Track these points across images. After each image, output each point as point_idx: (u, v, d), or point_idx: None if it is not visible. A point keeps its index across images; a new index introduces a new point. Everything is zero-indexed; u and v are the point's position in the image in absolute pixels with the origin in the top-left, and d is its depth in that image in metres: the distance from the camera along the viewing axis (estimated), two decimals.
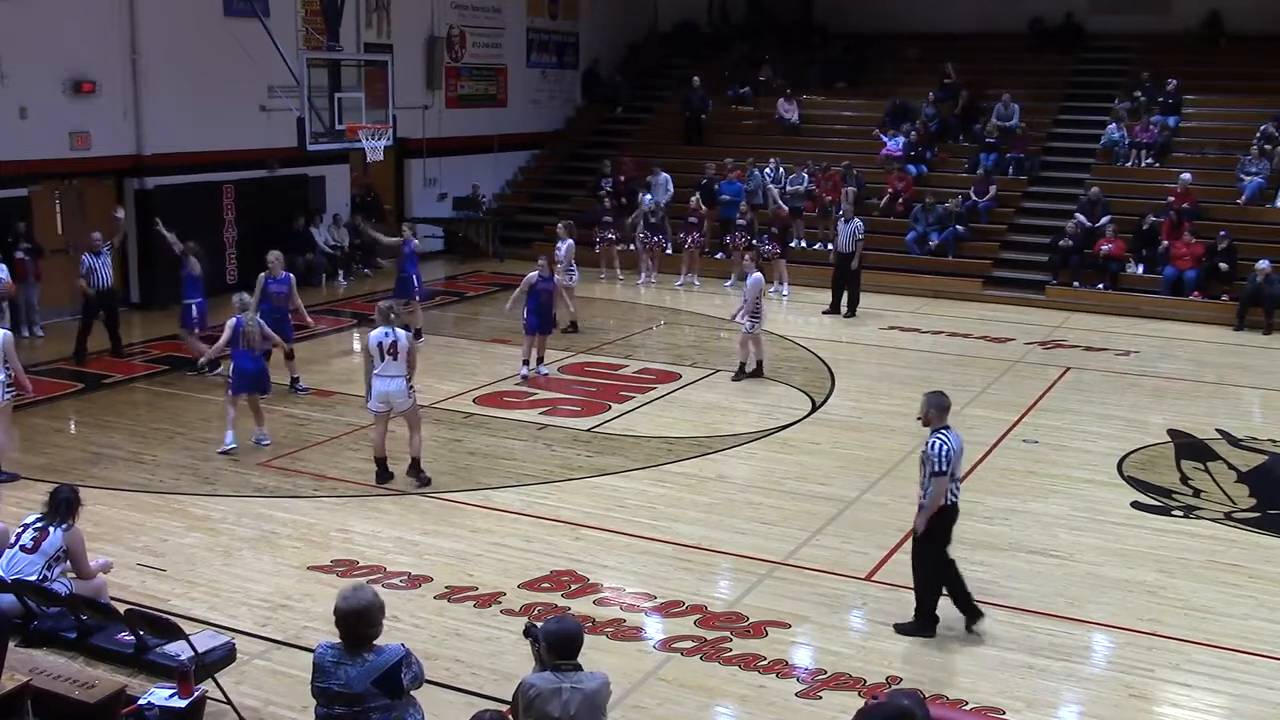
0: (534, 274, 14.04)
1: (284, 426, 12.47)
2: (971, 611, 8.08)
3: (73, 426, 12.69)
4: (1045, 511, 10.39)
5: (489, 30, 24.91)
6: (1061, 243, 20.00)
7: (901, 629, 8.06)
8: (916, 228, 21.15)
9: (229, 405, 11.71)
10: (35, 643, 7.38)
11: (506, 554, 9.28)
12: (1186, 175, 20.44)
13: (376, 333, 10.68)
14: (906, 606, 8.44)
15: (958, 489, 8.01)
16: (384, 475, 10.82)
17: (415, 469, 10.87)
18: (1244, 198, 20.27)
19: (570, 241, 16.53)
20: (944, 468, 7.75)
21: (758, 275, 14.59)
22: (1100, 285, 19.65)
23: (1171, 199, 20.07)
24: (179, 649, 6.89)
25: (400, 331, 10.73)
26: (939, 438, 7.82)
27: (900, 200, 21.93)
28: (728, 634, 7.99)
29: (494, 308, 18.52)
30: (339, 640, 5.06)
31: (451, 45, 23.84)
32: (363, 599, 5.02)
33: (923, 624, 8.05)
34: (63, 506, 7.75)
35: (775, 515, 10.17)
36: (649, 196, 21.77)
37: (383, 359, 10.61)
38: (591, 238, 22.56)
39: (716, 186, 22.00)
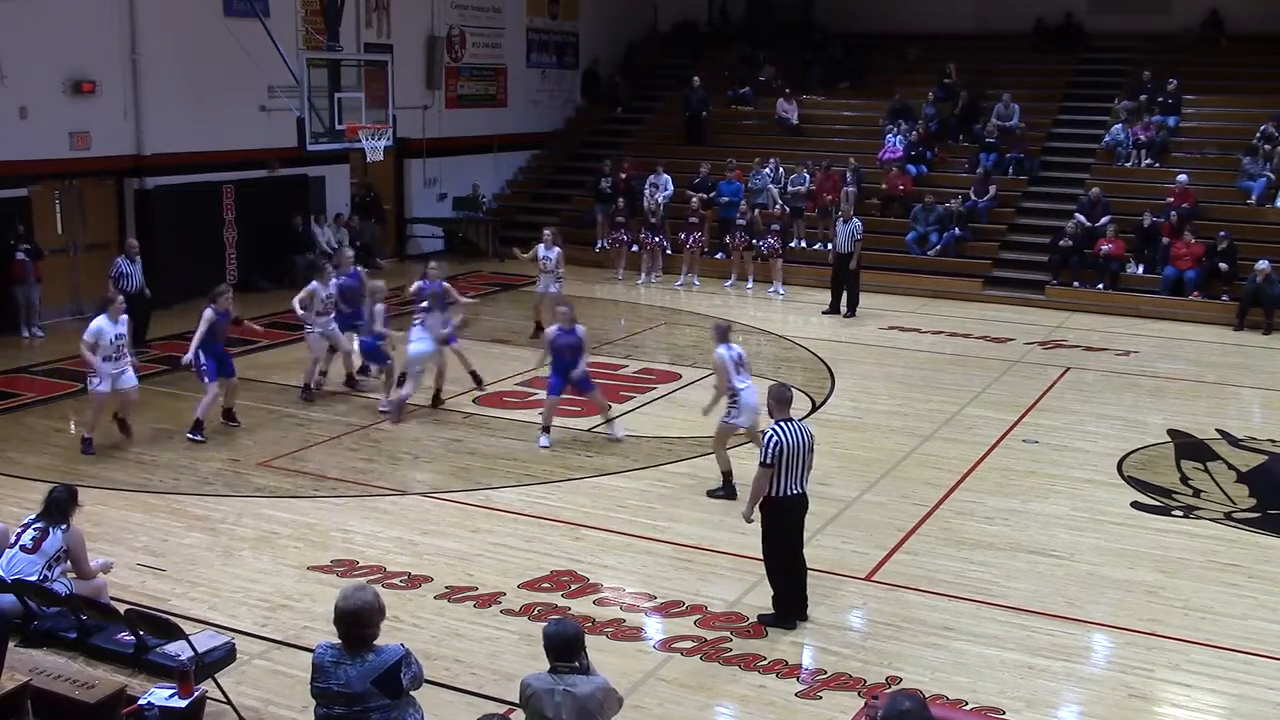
0: (553, 328, 12.18)
1: (284, 426, 12.48)
2: (798, 610, 8.18)
3: (73, 426, 12.68)
4: (1045, 511, 10.39)
5: (489, 30, 24.91)
6: (1061, 243, 20.00)
7: (764, 619, 8.13)
8: (916, 228, 21.15)
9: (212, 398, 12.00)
10: (35, 643, 7.38)
11: (506, 554, 9.28)
12: (1183, 176, 20.43)
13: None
14: (907, 606, 8.47)
15: (804, 481, 8.06)
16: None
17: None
18: (1254, 198, 20.26)
19: (559, 249, 16.37)
20: (768, 459, 7.85)
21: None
22: (1100, 285, 19.64)
23: (1171, 200, 20.08)
24: (179, 649, 6.88)
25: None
26: (774, 429, 7.93)
27: (896, 201, 21.91)
28: (728, 634, 7.99)
29: (494, 309, 18.57)
30: (339, 640, 5.06)
31: (451, 45, 23.84)
32: (360, 600, 5.01)
33: (782, 615, 8.13)
34: (59, 507, 7.75)
35: None
36: (664, 194, 21.83)
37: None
38: (596, 237, 22.64)
39: (714, 189, 21.97)
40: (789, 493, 8.00)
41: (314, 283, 13.42)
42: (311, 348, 13.47)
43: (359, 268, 14.36)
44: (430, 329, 12.74)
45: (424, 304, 12.90)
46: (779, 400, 8.16)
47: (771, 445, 7.86)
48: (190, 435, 11.86)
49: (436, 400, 13.20)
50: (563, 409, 13.22)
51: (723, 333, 10.74)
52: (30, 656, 6.66)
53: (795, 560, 8.24)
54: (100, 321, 11.18)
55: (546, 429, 12.08)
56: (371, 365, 13.71)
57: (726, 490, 10.50)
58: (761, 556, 8.33)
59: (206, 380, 11.88)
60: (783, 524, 8.12)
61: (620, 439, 12.15)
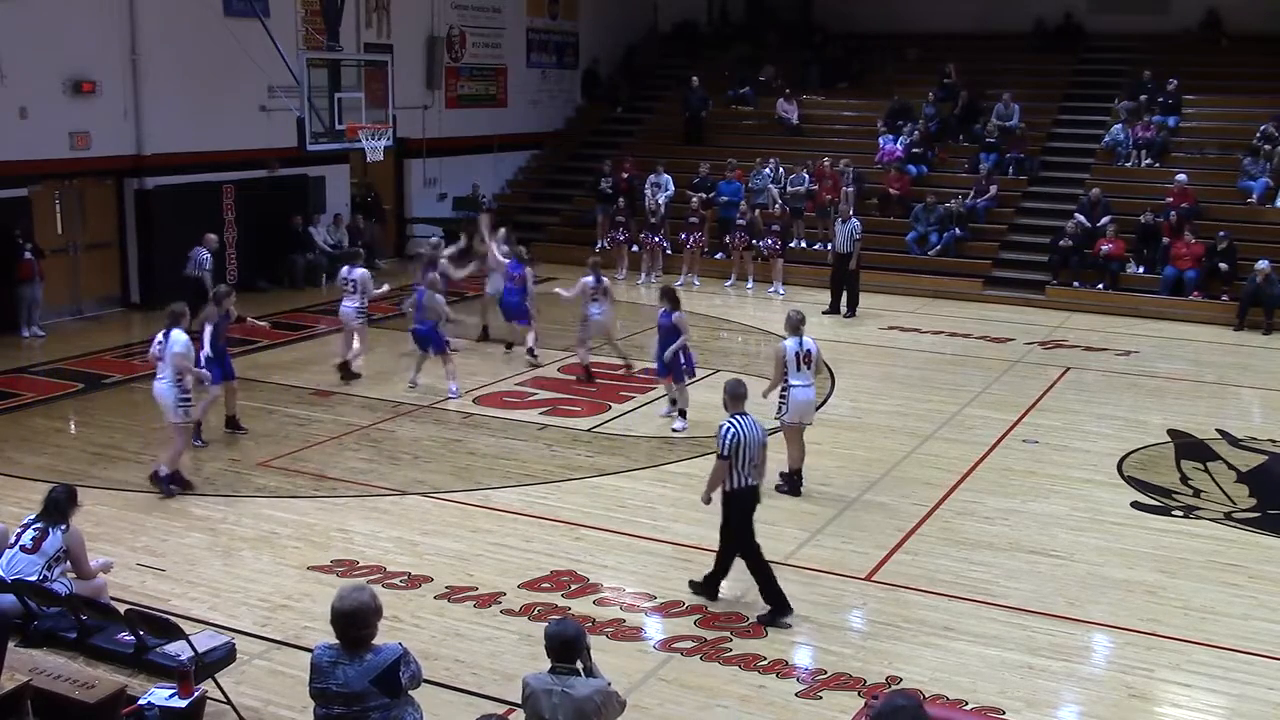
0: (678, 314, 12.45)
1: (284, 427, 12.48)
2: (779, 604, 8.26)
3: (73, 426, 12.70)
4: (1045, 511, 10.39)
5: (489, 30, 24.92)
6: (1061, 243, 20.00)
7: (761, 619, 8.24)
8: (917, 228, 21.15)
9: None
10: (35, 643, 7.38)
11: (506, 554, 9.28)
12: (1182, 176, 20.44)
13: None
14: (907, 606, 8.47)
15: (751, 474, 8.24)
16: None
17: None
18: (1254, 198, 20.27)
19: (506, 247, 16.27)
20: (725, 452, 8.10)
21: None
22: (1100, 285, 19.65)
23: (1170, 199, 20.09)
24: (179, 649, 6.89)
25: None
26: (729, 423, 8.18)
27: (895, 199, 21.89)
28: (728, 634, 8.00)
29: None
30: (336, 641, 5.06)
31: (451, 45, 23.84)
32: (356, 600, 5.00)
33: (775, 611, 8.27)
34: (58, 507, 7.74)
35: (775, 515, 10.13)
36: (665, 194, 21.86)
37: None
38: (596, 237, 22.64)
39: (714, 190, 21.97)
40: (744, 484, 8.24)
41: (343, 267, 14.41)
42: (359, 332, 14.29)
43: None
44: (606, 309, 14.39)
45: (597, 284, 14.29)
46: (734, 395, 8.42)
47: (729, 438, 8.09)
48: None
49: (628, 367, 14.73)
50: (564, 409, 13.25)
51: (794, 324, 10.60)
52: (30, 656, 6.67)
53: (755, 550, 8.43)
54: (185, 337, 10.30)
55: (682, 413, 12.56)
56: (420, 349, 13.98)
57: (789, 486, 10.66)
58: (720, 545, 8.49)
59: (207, 383, 11.82)
60: (742, 513, 8.33)
61: (678, 430, 12.42)
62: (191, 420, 10.59)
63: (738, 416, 8.24)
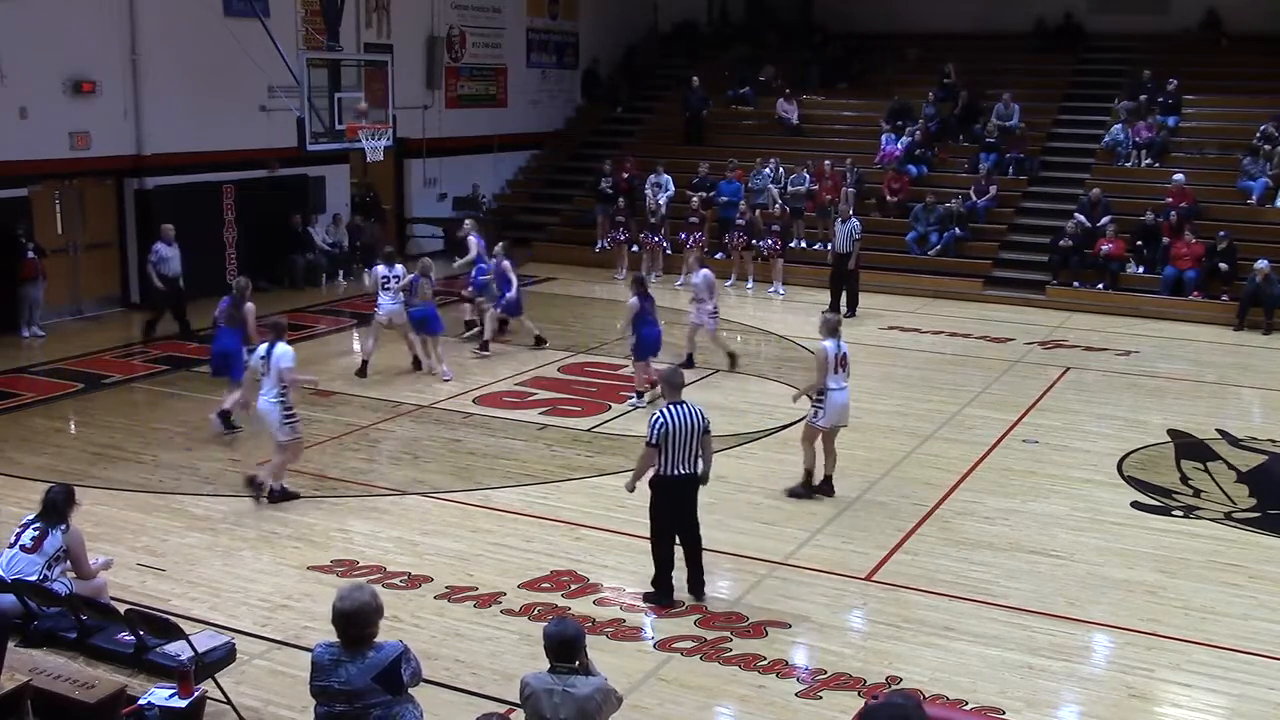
0: (631, 300, 13.53)
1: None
2: (696, 587, 8.54)
3: (73, 426, 12.70)
4: (1045, 511, 10.40)
5: (489, 30, 24.92)
6: (1061, 243, 20.01)
7: (647, 598, 8.47)
8: (917, 228, 21.15)
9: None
10: (35, 643, 7.39)
11: (506, 554, 9.29)
12: (1179, 176, 20.45)
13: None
14: (907, 606, 8.47)
15: (693, 462, 8.35)
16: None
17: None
18: (1254, 198, 20.29)
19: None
20: (653, 440, 8.22)
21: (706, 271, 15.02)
22: (1100, 285, 19.65)
23: (1169, 200, 20.09)
24: (179, 649, 6.89)
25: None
26: (661, 412, 8.29)
27: (895, 199, 21.89)
28: (728, 634, 8.00)
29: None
30: (337, 639, 5.06)
31: (451, 45, 23.84)
32: (357, 600, 5.00)
33: (663, 592, 8.46)
34: (56, 507, 7.73)
35: (775, 515, 10.17)
36: (665, 194, 21.89)
37: None
38: (596, 237, 22.67)
39: (714, 189, 21.97)
40: (675, 473, 8.29)
41: (380, 264, 14.70)
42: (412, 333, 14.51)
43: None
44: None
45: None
46: (670, 384, 8.55)
47: (656, 427, 8.20)
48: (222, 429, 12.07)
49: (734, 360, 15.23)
50: (563, 409, 13.25)
51: (832, 327, 10.56)
52: (30, 656, 6.67)
53: (690, 537, 8.50)
54: (291, 349, 10.25)
55: (639, 393, 13.53)
56: (425, 333, 14.45)
57: (805, 489, 10.61)
58: (649, 533, 8.55)
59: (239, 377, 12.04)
60: (669, 501, 8.37)
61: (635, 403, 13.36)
62: (299, 436, 10.32)
63: (672, 405, 8.31)
